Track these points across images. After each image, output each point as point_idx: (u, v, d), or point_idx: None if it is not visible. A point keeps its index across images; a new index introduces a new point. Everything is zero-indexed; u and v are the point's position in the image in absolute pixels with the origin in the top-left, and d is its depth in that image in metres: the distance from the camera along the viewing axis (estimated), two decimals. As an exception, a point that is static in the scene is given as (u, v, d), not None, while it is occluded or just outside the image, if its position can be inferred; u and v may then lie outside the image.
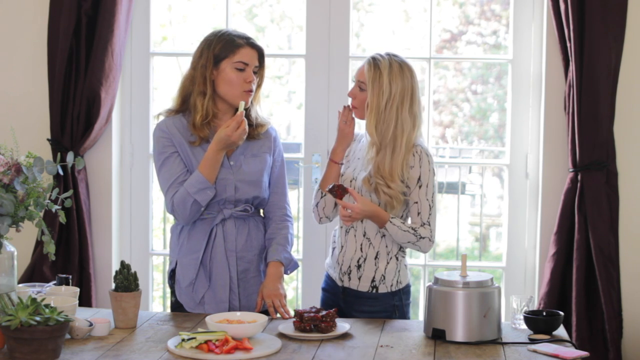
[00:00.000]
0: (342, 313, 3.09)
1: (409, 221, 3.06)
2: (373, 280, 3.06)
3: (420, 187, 3.01)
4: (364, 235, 3.06)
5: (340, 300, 3.11)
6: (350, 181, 3.07)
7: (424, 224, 3.00)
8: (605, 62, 3.68)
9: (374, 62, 3.01)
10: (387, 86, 2.98)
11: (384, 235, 3.04)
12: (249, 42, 3.02)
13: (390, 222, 2.97)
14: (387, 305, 3.06)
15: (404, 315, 3.09)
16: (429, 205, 3.01)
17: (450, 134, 6.26)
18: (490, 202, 6.37)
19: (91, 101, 3.91)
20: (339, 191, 2.94)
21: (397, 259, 3.07)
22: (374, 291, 3.06)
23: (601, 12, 3.65)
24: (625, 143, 3.78)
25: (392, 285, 3.07)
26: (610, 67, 3.69)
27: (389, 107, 2.99)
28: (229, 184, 3.03)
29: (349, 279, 3.08)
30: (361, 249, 3.06)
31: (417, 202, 3.01)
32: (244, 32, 3.08)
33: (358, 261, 3.06)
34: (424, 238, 2.99)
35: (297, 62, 5.42)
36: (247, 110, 3.08)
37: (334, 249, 3.17)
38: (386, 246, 3.06)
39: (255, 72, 3.04)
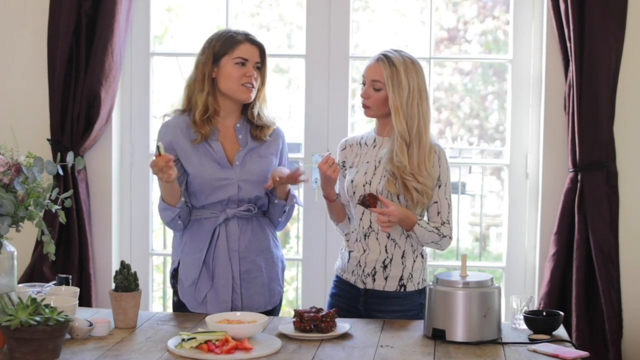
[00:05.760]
0: (360, 316, 3.07)
1: (425, 218, 3.07)
2: (401, 279, 3.05)
3: (439, 186, 3.02)
4: (389, 237, 3.04)
5: (360, 303, 3.09)
6: (363, 185, 3.06)
7: (444, 222, 3.02)
8: (605, 62, 3.68)
9: (388, 60, 3.00)
10: (406, 82, 2.98)
11: (408, 236, 3.04)
12: (248, 38, 3.05)
13: (419, 224, 2.97)
14: (415, 304, 3.05)
15: None
16: (448, 204, 3.03)
17: (450, 134, 6.26)
18: (490, 202, 6.36)
19: (91, 101, 3.92)
20: (371, 200, 2.93)
21: (422, 256, 3.08)
22: (402, 290, 3.05)
23: (601, 12, 3.65)
24: (625, 143, 3.78)
25: (418, 283, 3.07)
26: (610, 67, 3.69)
27: (410, 102, 2.99)
28: (232, 183, 3.04)
29: (374, 280, 3.06)
30: (386, 250, 3.05)
31: (436, 202, 3.02)
32: (244, 30, 3.10)
33: (384, 262, 3.05)
34: (445, 237, 3.01)
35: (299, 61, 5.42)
36: (252, 109, 3.10)
37: (350, 252, 3.13)
38: (411, 245, 3.06)
39: (258, 69, 3.06)
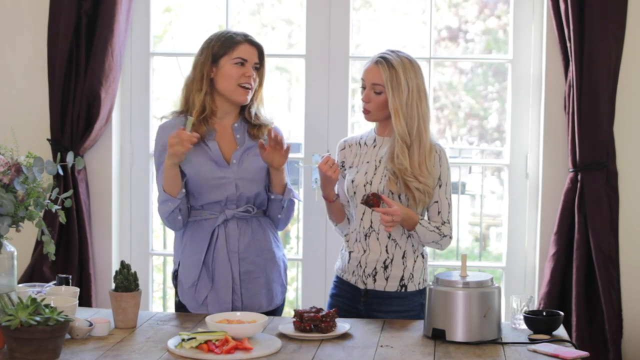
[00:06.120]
0: (360, 316, 3.06)
1: (425, 218, 3.07)
2: (402, 279, 3.04)
3: (440, 186, 3.02)
4: (389, 237, 3.04)
5: (360, 303, 3.08)
6: (364, 185, 3.05)
7: (444, 222, 3.02)
8: (605, 62, 3.68)
9: (387, 63, 2.99)
10: (405, 83, 2.98)
11: (409, 236, 3.04)
12: (247, 39, 3.06)
13: (420, 223, 2.97)
14: (416, 304, 3.05)
15: None
16: (448, 204, 3.03)
17: (450, 134, 6.26)
18: (490, 202, 6.36)
19: (91, 101, 3.92)
20: (375, 200, 2.92)
21: (422, 256, 3.08)
22: (403, 290, 3.05)
23: (601, 12, 3.65)
24: (625, 143, 3.78)
25: (419, 283, 3.07)
26: (610, 67, 3.69)
27: (410, 103, 2.98)
28: (230, 182, 3.04)
29: (374, 280, 3.05)
30: (387, 250, 3.04)
31: (437, 202, 3.03)
32: (243, 31, 3.11)
33: (384, 262, 3.04)
34: (446, 236, 3.02)
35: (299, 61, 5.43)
36: (250, 109, 3.09)
37: (350, 252, 3.12)
38: (412, 245, 3.05)
39: (257, 69, 3.06)
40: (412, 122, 2.99)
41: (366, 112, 3.06)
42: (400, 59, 3.00)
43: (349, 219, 3.18)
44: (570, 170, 3.75)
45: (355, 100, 4.21)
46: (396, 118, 2.98)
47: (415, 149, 2.99)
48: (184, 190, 3.00)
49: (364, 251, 3.07)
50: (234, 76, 3.02)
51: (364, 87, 3.06)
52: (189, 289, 3.06)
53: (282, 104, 5.66)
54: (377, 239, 3.05)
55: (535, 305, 3.73)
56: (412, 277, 3.05)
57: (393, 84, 2.98)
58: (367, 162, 3.09)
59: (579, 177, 3.73)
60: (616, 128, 3.75)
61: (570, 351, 2.54)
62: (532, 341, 2.68)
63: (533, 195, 3.94)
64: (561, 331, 2.79)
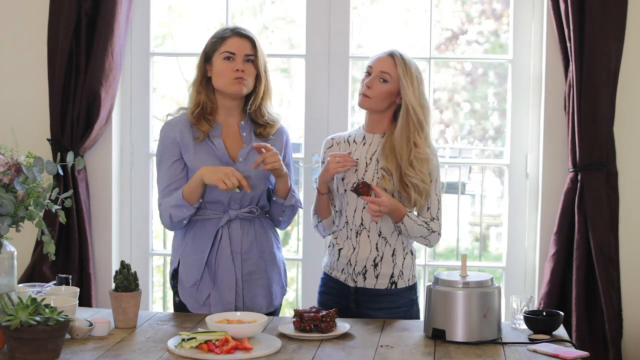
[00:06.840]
0: (352, 314, 3.07)
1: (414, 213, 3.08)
2: (392, 277, 3.05)
3: (430, 182, 3.02)
4: (380, 235, 3.05)
5: (351, 301, 3.09)
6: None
7: (433, 218, 3.03)
8: (605, 62, 3.68)
9: (402, 57, 3.04)
10: (415, 78, 3.03)
11: (400, 233, 3.04)
12: (235, 32, 3.05)
13: (408, 215, 2.98)
14: (406, 300, 3.07)
15: (418, 309, 3.12)
16: (438, 201, 3.04)
17: (450, 134, 6.26)
18: (490, 202, 6.36)
19: (91, 101, 3.92)
20: (364, 188, 2.94)
21: (412, 253, 3.10)
22: (393, 287, 3.05)
23: (601, 12, 3.65)
24: (625, 143, 3.78)
25: (409, 280, 3.08)
26: (610, 67, 3.69)
27: (418, 96, 3.04)
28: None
29: (364, 278, 3.06)
30: (377, 248, 3.05)
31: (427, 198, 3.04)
32: (236, 25, 3.10)
33: (374, 260, 3.05)
34: (434, 232, 3.03)
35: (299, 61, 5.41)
36: (252, 104, 3.09)
37: (340, 250, 3.12)
38: (402, 242, 3.07)
39: (252, 62, 3.04)
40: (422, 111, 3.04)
41: (365, 97, 3.05)
42: (410, 61, 3.07)
43: (333, 221, 3.16)
44: (570, 170, 3.75)
45: (355, 101, 4.21)
46: (410, 108, 3.00)
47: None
48: (201, 200, 3.00)
49: (354, 249, 3.07)
50: (224, 72, 3.01)
51: (369, 74, 3.05)
52: (190, 289, 3.05)
53: (281, 102, 5.66)
54: (368, 236, 3.06)
55: (535, 305, 3.73)
56: (402, 274, 3.06)
57: (406, 78, 3.02)
58: (357, 160, 3.09)
59: (579, 177, 3.73)
60: (616, 128, 3.75)
61: (570, 351, 2.54)
62: (532, 341, 2.68)
63: (533, 195, 3.94)
64: (561, 331, 2.79)
